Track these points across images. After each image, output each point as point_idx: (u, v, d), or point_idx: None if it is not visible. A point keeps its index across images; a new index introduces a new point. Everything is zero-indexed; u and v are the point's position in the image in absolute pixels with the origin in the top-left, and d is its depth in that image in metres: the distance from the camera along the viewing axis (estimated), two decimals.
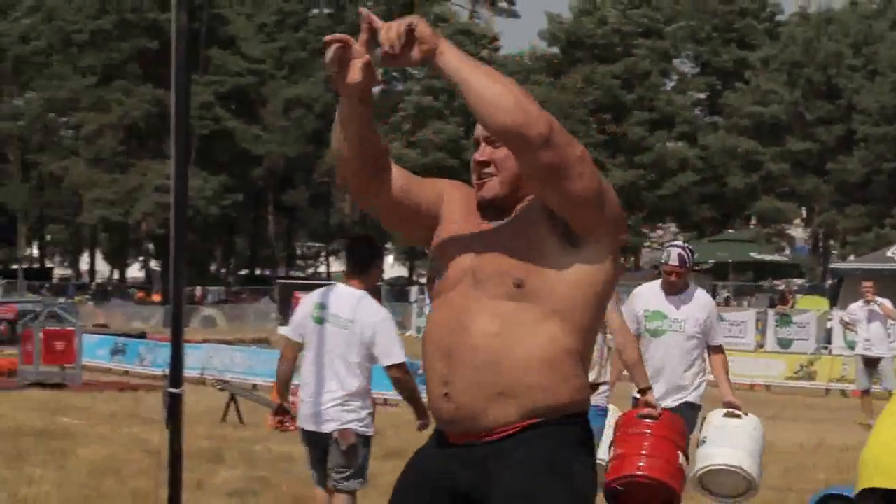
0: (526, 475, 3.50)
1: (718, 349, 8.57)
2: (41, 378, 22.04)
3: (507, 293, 3.53)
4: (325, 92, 61.44)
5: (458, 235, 3.68)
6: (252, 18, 67.01)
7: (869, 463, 3.71)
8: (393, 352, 7.40)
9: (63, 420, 16.15)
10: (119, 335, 30.78)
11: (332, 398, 7.44)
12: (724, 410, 7.94)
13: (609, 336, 7.88)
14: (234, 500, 10.27)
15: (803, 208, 62.68)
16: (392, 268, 73.07)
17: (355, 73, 3.43)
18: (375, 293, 7.69)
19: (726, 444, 7.72)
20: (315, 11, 70.72)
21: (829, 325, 30.51)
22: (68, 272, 79.94)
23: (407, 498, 3.70)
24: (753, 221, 63.22)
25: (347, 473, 7.46)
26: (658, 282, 8.61)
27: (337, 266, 73.05)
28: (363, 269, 7.57)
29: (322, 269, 78.00)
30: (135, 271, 79.65)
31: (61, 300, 45.08)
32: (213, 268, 73.38)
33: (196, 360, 23.07)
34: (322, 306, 7.56)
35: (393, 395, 14.43)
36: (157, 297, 58.76)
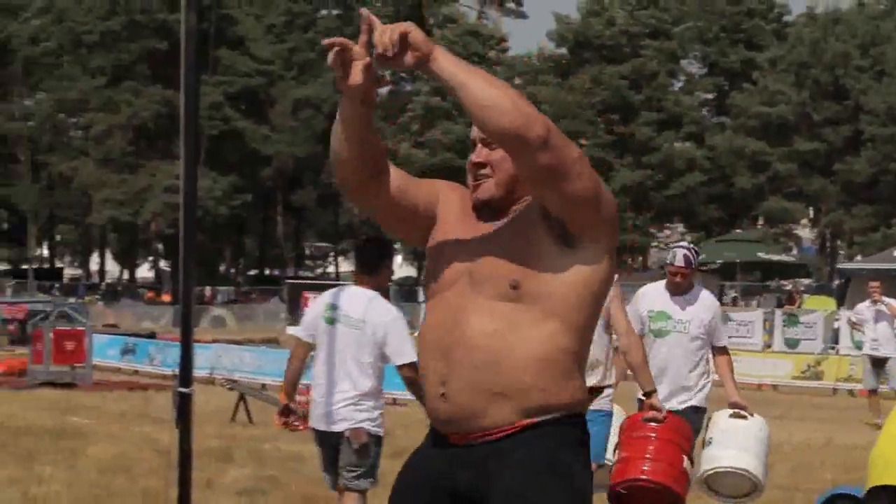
0: (526, 475, 3.51)
1: (723, 350, 8.55)
2: (51, 378, 22.05)
3: (503, 294, 3.54)
4: (333, 93, 61.25)
5: (454, 236, 3.69)
6: (261, 19, 66.97)
7: (879, 461, 3.74)
8: (404, 351, 7.37)
9: (73, 419, 16.17)
10: (129, 335, 30.79)
11: (343, 398, 7.44)
12: (730, 411, 7.92)
13: (615, 338, 7.86)
14: (244, 499, 10.26)
15: (810, 208, 62.33)
16: (401, 268, 73.12)
17: (356, 75, 3.46)
18: (384, 293, 7.72)
19: (732, 445, 7.71)
20: (324, 12, 70.71)
21: (836, 324, 30.48)
22: (78, 272, 79.95)
23: (406, 498, 3.71)
24: (761, 222, 62.94)
25: (359, 472, 7.44)
26: (663, 282, 8.58)
27: (346, 266, 73.04)
28: (373, 270, 7.58)
29: (331, 269, 77.98)
30: (144, 271, 79.56)
31: (71, 300, 44.97)
32: (222, 268, 73.42)
33: (205, 359, 23.11)
34: (333, 307, 7.56)
35: (402, 394, 14.54)
36: (166, 297, 58.77)
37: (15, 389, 20.89)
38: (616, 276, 7.11)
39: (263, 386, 21.41)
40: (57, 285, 63.09)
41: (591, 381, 7.27)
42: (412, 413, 14.82)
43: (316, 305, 7.78)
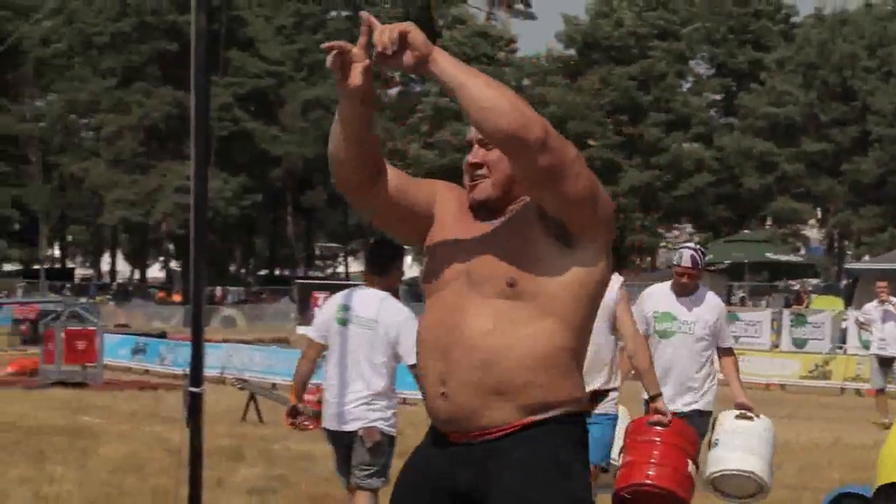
0: (526, 475, 3.51)
1: (728, 351, 8.54)
2: (63, 377, 22.05)
3: (500, 292, 3.54)
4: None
5: (451, 236, 3.69)
6: (271, 20, 66.95)
7: (888, 460, 3.77)
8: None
9: (84, 419, 16.23)
10: (140, 335, 30.74)
11: (357, 398, 7.46)
12: (736, 412, 7.93)
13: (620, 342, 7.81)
14: (254, 498, 10.26)
15: (818, 209, 62.08)
16: (411, 268, 73.26)
17: (356, 77, 3.46)
18: (394, 294, 7.70)
19: (738, 448, 7.74)
20: (333, 14, 70.71)
21: (843, 324, 30.51)
22: (89, 272, 79.98)
23: (406, 498, 3.71)
24: (769, 222, 62.80)
25: (371, 471, 7.45)
26: (668, 283, 8.54)
27: (355, 266, 73.13)
28: (384, 271, 7.59)
29: (340, 269, 78.03)
30: (155, 271, 79.55)
31: (83, 300, 44.75)
32: (232, 268, 73.40)
33: (216, 359, 23.06)
34: (346, 308, 7.57)
35: (412, 394, 14.70)
36: (177, 297, 58.85)
37: (27, 389, 20.94)
38: (622, 280, 7.24)
39: (274, 385, 21.39)
40: (68, 285, 63.24)
41: (597, 383, 7.29)
42: (422, 412, 14.80)
43: (328, 307, 7.77)
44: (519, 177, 3.57)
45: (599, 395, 7.30)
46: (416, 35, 3.37)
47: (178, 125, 61.17)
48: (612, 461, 7.58)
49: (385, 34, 3.34)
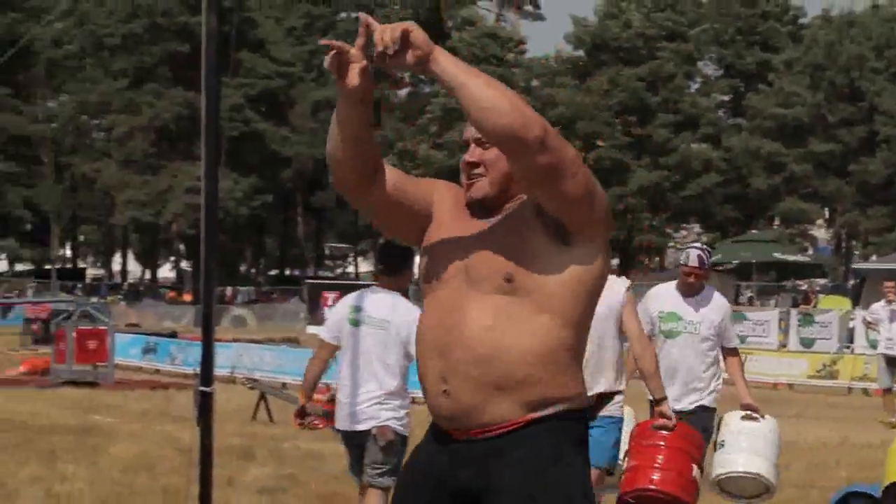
0: (526, 474, 3.50)
1: (733, 351, 8.52)
2: (74, 376, 22.11)
3: (498, 287, 3.54)
4: None
5: (449, 235, 3.68)
6: (281, 22, 66.95)
7: None
8: None
9: (96, 418, 16.25)
10: (150, 334, 30.80)
11: (369, 398, 7.47)
12: (742, 413, 7.96)
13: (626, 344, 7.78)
14: (264, 497, 10.24)
15: (826, 209, 61.99)
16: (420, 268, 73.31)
17: (353, 78, 3.47)
18: (404, 294, 7.71)
19: (744, 449, 7.78)
20: (343, 15, 70.86)
21: (851, 324, 30.59)
22: (101, 272, 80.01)
23: (408, 496, 3.71)
24: (776, 222, 62.66)
25: (383, 470, 7.44)
26: (673, 283, 8.54)
27: (365, 266, 73.25)
28: (394, 271, 7.60)
29: (350, 269, 78.09)
30: (166, 271, 79.49)
31: (94, 300, 44.62)
32: (243, 268, 73.37)
33: (226, 358, 23.15)
34: (358, 309, 7.58)
35: (421, 393, 14.95)
36: (187, 297, 58.90)
37: (38, 388, 21.01)
38: (629, 283, 7.34)
39: (284, 385, 21.41)
40: (79, 285, 63.37)
41: (603, 386, 7.29)
42: None
43: (340, 308, 7.77)
44: (517, 175, 3.58)
45: (605, 398, 7.28)
46: (418, 34, 3.36)
47: (189, 126, 61.20)
48: (619, 463, 7.57)
49: (386, 33, 3.34)
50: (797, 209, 59.20)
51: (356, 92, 3.49)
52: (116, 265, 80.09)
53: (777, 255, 45.71)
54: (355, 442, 7.58)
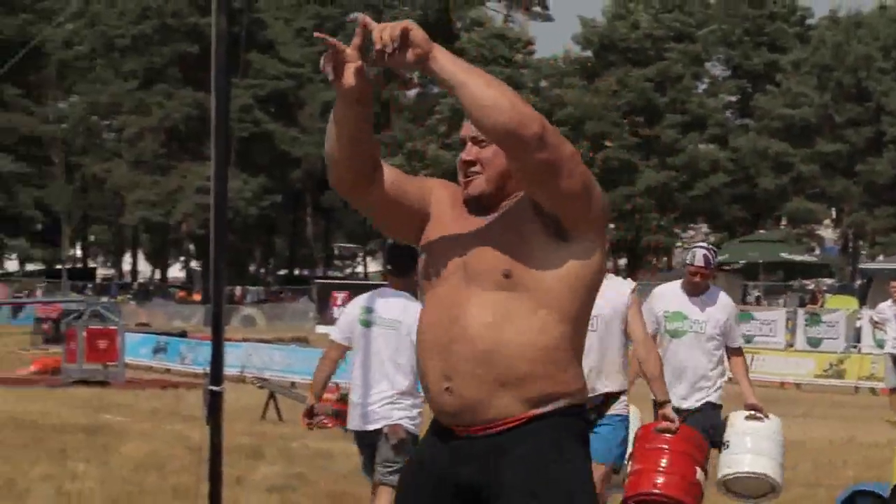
0: (528, 472, 3.51)
1: (738, 351, 8.46)
2: (85, 376, 22.14)
3: (497, 283, 3.55)
4: None
5: (448, 232, 3.68)
6: (290, 23, 66.87)
7: None
8: None
9: (106, 417, 16.29)
10: (160, 334, 30.79)
11: (381, 397, 7.48)
12: (746, 413, 7.98)
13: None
14: (273, 496, 10.23)
15: (833, 209, 61.91)
16: None
17: (349, 77, 3.46)
18: (414, 294, 7.66)
19: (750, 449, 7.82)
20: (352, 16, 70.84)
21: (858, 324, 30.67)
22: (111, 272, 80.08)
23: (410, 493, 3.72)
24: (784, 222, 62.64)
25: (394, 468, 7.37)
26: (678, 282, 8.52)
27: (374, 266, 73.37)
28: (404, 271, 7.57)
29: (359, 269, 78.12)
30: (176, 271, 79.54)
31: (104, 299, 43.87)
32: (252, 268, 73.38)
33: (236, 358, 23.12)
34: (369, 310, 7.60)
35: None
36: (197, 297, 58.88)
37: (49, 387, 21.06)
38: (634, 285, 7.36)
39: (293, 384, 21.47)
40: (90, 285, 63.26)
41: (611, 386, 7.23)
42: None
43: (351, 309, 7.78)
44: (516, 172, 3.59)
45: (611, 398, 7.24)
46: (417, 33, 3.36)
47: (199, 126, 61.22)
48: (624, 463, 7.53)
49: (386, 32, 3.34)
50: (804, 209, 59.21)
51: (352, 92, 3.49)
52: (127, 265, 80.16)
53: (784, 254, 45.74)
54: (367, 442, 7.60)
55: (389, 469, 7.42)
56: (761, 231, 58.00)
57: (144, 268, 79.86)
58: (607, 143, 56.25)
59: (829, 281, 51.37)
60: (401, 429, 7.45)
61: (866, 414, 20.22)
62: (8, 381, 21.53)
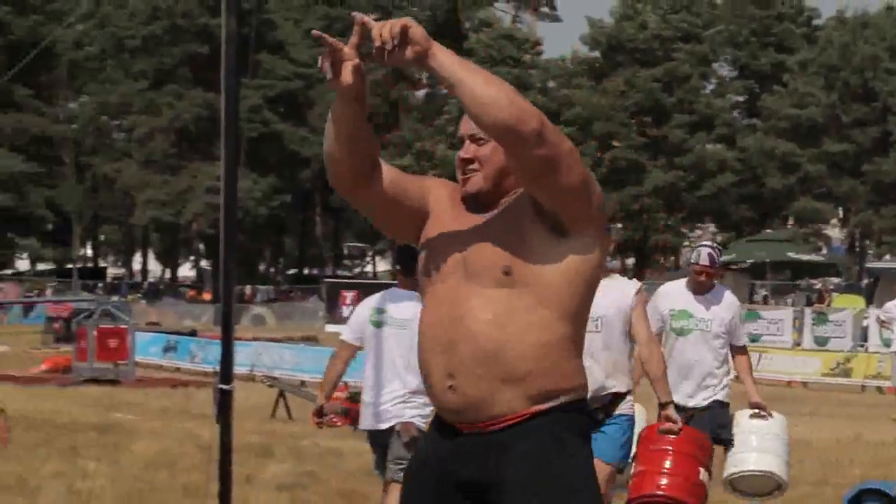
0: (531, 467, 3.52)
1: (742, 349, 8.45)
2: (95, 374, 22.43)
3: (497, 280, 3.55)
4: (371, 95, 61.56)
5: (447, 230, 3.68)
6: (300, 24, 66.68)
7: None
8: None
9: (117, 415, 16.42)
10: (171, 333, 31.08)
11: (393, 396, 7.51)
12: (751, 412, 8.01)
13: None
14: (283, 494, 10.25)
15: (840, 209, 61.81)
16: None
17: (347, 76, 3.47)
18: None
19: (755, 448, 7.85)
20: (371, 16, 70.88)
21: (864, 323, 30.79)
22: (121, 271, 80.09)
23: (413, 490, 3.72)
24: (791, 222, 62.65)
25: (405, 465, 7.58)
26: (683, 281, 8.50)
27: (383, 265, 73.42)
28: (412, 271, 7.38)
29: (368, 268, 78.16)
30: (186, 270, 79.51)
31: (114, 299, 43.91)
32: (262, 267, 73.39)
33: (246, 357, 23.40)
34: (380, 311, 7.63)
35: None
36: (207, 296, 58.96)
37: (60, 386, 21.27)
38: (640, 285, 7.38)
39: (302, 383, 21.61)
40: (100, 284, 63.19)
41: (619, 387, 7.20)
42: None
43: (362, 309, 7.80)
44: (515, 168, 3.58)
45: (618, 398, 7.22)
46: (416, 30, 3.36)
47: (209, 127, 61.17)
48: (629, 462, 7.53)
49: (385, 29, 3.34)
50: (811, 209, 59.19)
51: (350, 90, 3.50)
52: (137, 264, 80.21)
53: (791, 254, 45.84)
54: (380, 441, 7.62)
55: (401, 466, 7.36)
56: (768, 231, 58.07)
57: (155, 267, 79.82)
58: (615, 144, 56.34)
59: (835, 280, 51.37)
60: (412, 426, 7.49)
61: (873, 412, 20.28)
62: (19, 380, 21.70)
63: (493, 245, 3.57)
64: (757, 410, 8.02)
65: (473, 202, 3.69)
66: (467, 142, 3.68)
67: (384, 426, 7.52)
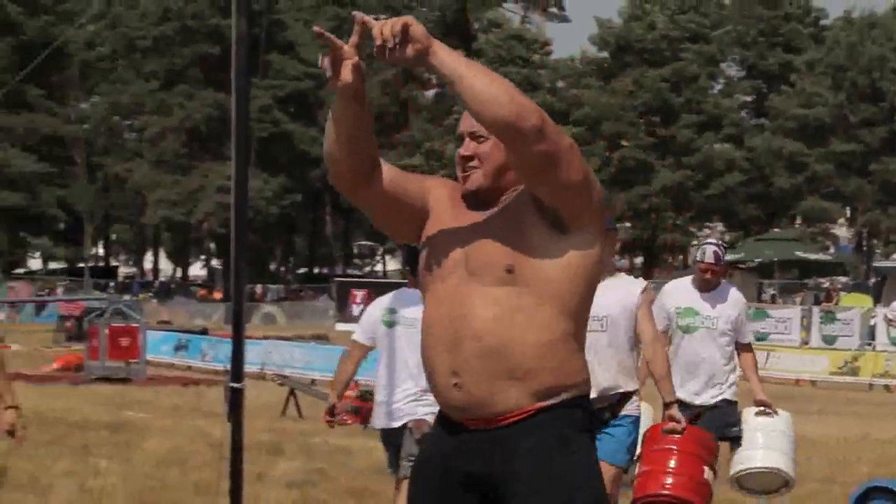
0: (534, 463, 3.53)
1: (747, 347, 8.37)
2: (107, 373, 22.46)
3: (499, 278, 3.54)
4: (380, 95, 61.27)
5: (447, 228, 3.67)
6: (310, 24, 66.49)
7: None
8: None
9: (128, 414, 16.43)
10: (182, 332, 31.04)
11: (405, 395, 7.49)
12: (756, 409, 7.98)
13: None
14: (294, 492, 10.20)
15: (847, 208, 62.04)
16: None
17: (346, 75, 3.47)
18: None
19: (762, 445, 7.83)
20: (371, 17, 70.95)
21: (872, 321, 30.81)
22: (133, 270, 79.96)
23: (418, 487, 3.74)
24: (798, 221, 62.85)
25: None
26: (688, 279, 8.46)
27: (392, 264, 73.47)
28: None
29: (378, 267, 78.21)
30: (197, 269, 79.53)
31: (126, 298, 43.48)
32: (272, 266, 73.45)
33: (256, 355, 23.29)
34: (392, 311, 7.60)
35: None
36: (218, 295, 59.05)
37: (72, 384, 21.30)
38: (645, 284, 7.38)
39: (313, 381, 21.63)
40: (112, 283, 63.22)
41: (627, 386, 7.15)
42: None
43: (373, 310, 7.77)
44: (515, 165, 3.57)
45: (625, 398, 7.14)
46: (417, 28, 3.36)
47: (220, 127, 61.09)
48: (634, 460, 7.44)
49: (386, 27, 3.34)
50: (819, 208, 59.34)
51: (349, 89, 3.49)
52: (148, 263, 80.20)
53: (799, 253, 45.85)
54: (393, 439, 7.62)
55: (412, 463, 7.59)
56: (776, 230, 58.11)
57: (166, 266, 79.89)
58: (624, 143, 56.50)
59: (843, 279, 51.25)
60: (425, 423, 7.39)
61: (880, 411, 20.34)
62: (31, 378, 21.62)
63: (494, 242, 3.57)
64: (762, 408, 8.04)
65: (474, 200, 3.69)
66: (467, 139, 3.68)
67: (397, 424, 7.53)
